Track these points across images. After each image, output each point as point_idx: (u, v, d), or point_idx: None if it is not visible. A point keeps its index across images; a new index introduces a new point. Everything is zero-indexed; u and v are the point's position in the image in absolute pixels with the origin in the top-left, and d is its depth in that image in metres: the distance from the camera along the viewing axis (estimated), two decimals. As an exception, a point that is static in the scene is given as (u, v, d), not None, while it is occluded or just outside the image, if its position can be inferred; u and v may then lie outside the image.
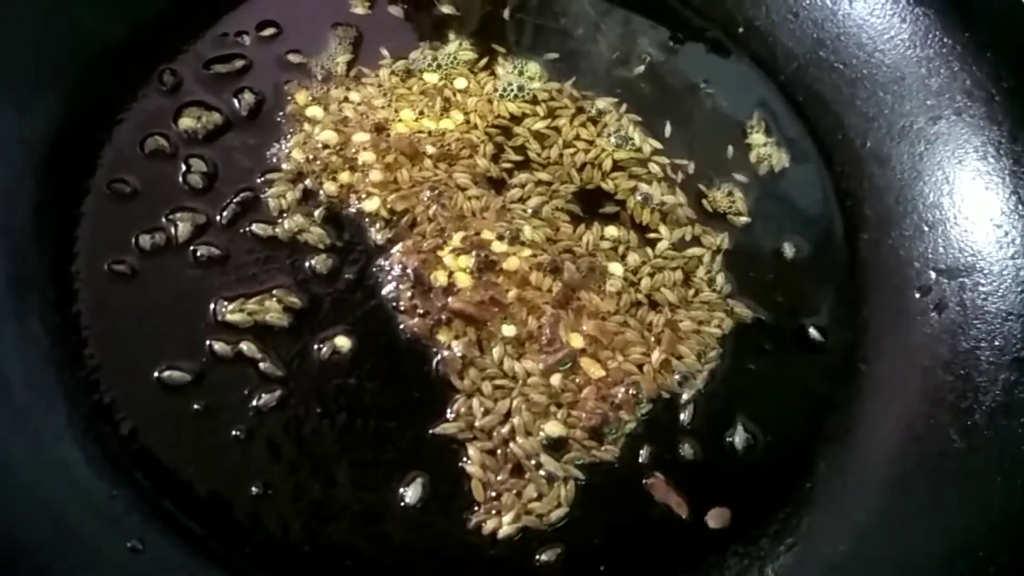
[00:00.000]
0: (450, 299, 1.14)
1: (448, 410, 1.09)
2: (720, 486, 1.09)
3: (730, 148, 1.34)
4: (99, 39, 1.23)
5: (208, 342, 1.09)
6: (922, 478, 1.08)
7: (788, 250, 1.27)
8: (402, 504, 1.03)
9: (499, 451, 1.07)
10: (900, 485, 1.07)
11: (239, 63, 1.30)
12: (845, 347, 1.21)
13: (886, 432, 1.12)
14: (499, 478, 1.06)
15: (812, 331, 1.21)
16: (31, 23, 1.17)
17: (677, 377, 1.15)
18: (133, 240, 1.14)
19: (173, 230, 1.15)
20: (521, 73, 1.36)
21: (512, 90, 1.33)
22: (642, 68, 1.41)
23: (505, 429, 1.08)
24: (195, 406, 1.05)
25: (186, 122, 1.23)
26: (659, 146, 1.32)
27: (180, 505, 1.00)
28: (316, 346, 1.10)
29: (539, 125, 1.30)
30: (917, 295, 1.21)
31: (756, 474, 1.11)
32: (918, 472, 1.08)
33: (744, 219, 1.29)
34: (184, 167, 1.20)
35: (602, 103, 1.35)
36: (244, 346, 1.09)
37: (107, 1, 1.24)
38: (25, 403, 1.00)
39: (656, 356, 1.15)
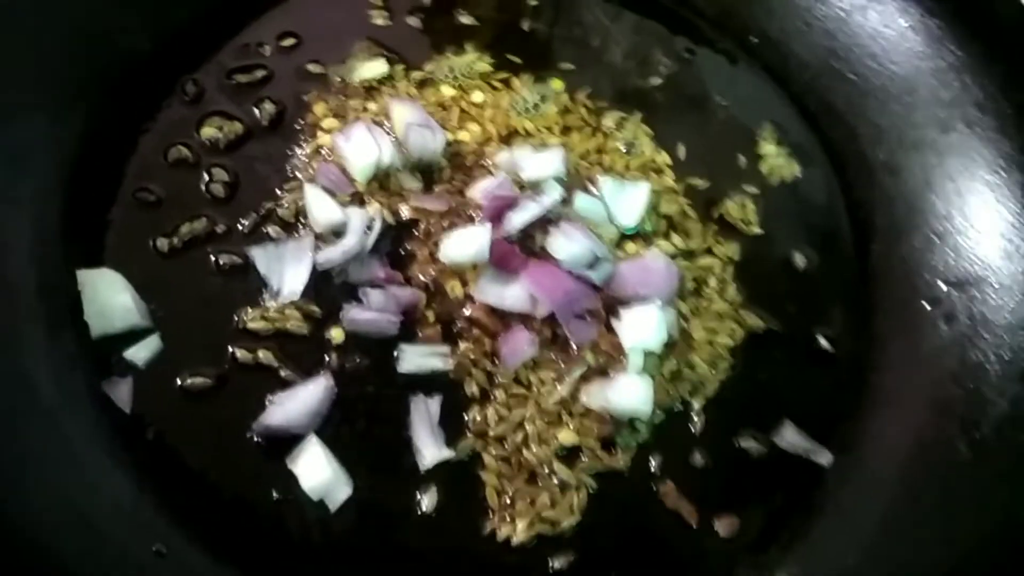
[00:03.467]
0: (466, 309, 1.16)
1: (464, 417, 1.11)
2: (730, 494, 1.12)
3: (742, 158, 1.36)
4: (125, 52, 1.26)
5: (230, 349, 1.11)
6: (929, 488, 1.10)
7: (799, 260, 1.29)
8: (419, 511, 1.05)
9: (513, 459, 1.10)
10: (907, 495, 1.09)
11: (260, 73, 1.32)
12: (855, 357, 1.23)
13: (894, 442, 1.14)
14: (513, 486, 1.08)
15: (822, 341, 1.23)
16: (60, 38, 1.19)
17: (688, 387, 1.16)
18: (157, 247, 1.16)
19: (195, 237, 1.18)
20: (539, 88, 1.37)
21: (528, 105, 1.35)
22: (657, 78, 1.42)
23: (519, 437, 1.11)
24: (217, 412, 1.08)
25: (208, 131, 1.26)
26: (671, 157, 1.33)
27: (204, 509, 1.03)
28: (335, 354, 1.12)
29: (553, 140, 1.32)
30: (927, 306, 1.23)
31: (766, 483, 1.13)
32: (925, 482, 1.10)
33: (756, 230, 1.30)
34: (207, 176, 1.22)
35: (616, 115, 1.36)
36: (263, 354, 1.11)
37: (132, 15, 1.27)
38: (54, 408, 1.04)
39: (668, 366, 1.16)
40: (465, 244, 1.15)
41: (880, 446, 1.15)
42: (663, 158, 1.33)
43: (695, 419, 1.15)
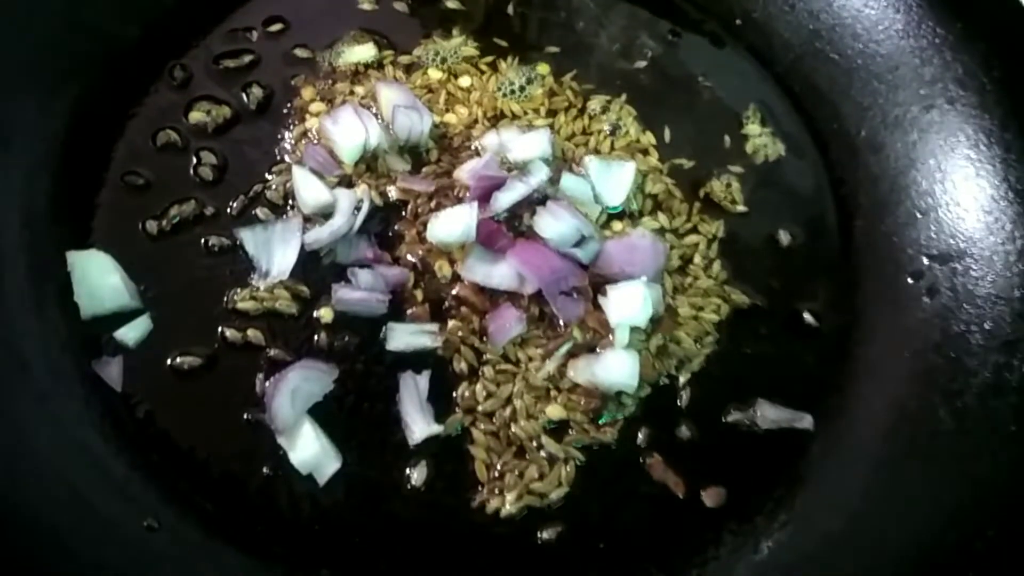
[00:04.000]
0: (454, 288, 1.17)
1: (453, 393, 1.12)
2: (716, 466, 1.13)
3: (727, 139, 1.37)
4: (112, 37, 1.27)
5: (220, 329, 1.12)
6: (913, 457, 1.11)
7: (783, 237, 1.30)
8: (409, 485, 1.07)
9: (502, 433, 1.11)
10: (892, 464, 1.11)
11: (247, 58, 1.33)
12: (839, 331, 1.24)
13: (878, 413, 1.16)
14: (502, 459, 1.09)
15: (807, 316, 1.25)
16: (47, 23, 1.21)
17: (674, 361, 1.18)
18: (146, 229, 1.17)
19: (184, 220, 1.19)
20: (525, 71, 1.38)
21: (514, 87, 1.36)
22: (642, 61, 1.43)
23: (507, 412, 1.12)
24: (207, 390, 1.09)
25: (196, 116, 1.27)
26: (656, 138, 1.35)
27: (194, 485, 1.05)
28: (323, 332, 1.14)
29: (539, 122, 1.33)
30: (910, 280, 1.24)
31: (751, 454, 1.15)
32: (909, 452, 1.11)
33: (740, 208, 1.31)
34: (195, 160, 1.23)
35: (602, 98, 1.37)
36: (252, 333, 1.12)
37: (120, 1, 1.27)
38: (45, 388, 1.05)
39: (654, 342, 1.18)
40: (452, 224, 1.16)
41: (864, 417, 1.16)
42: (648, 139, 1.35)
43: (681, 393, 1.16)
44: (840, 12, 1.41)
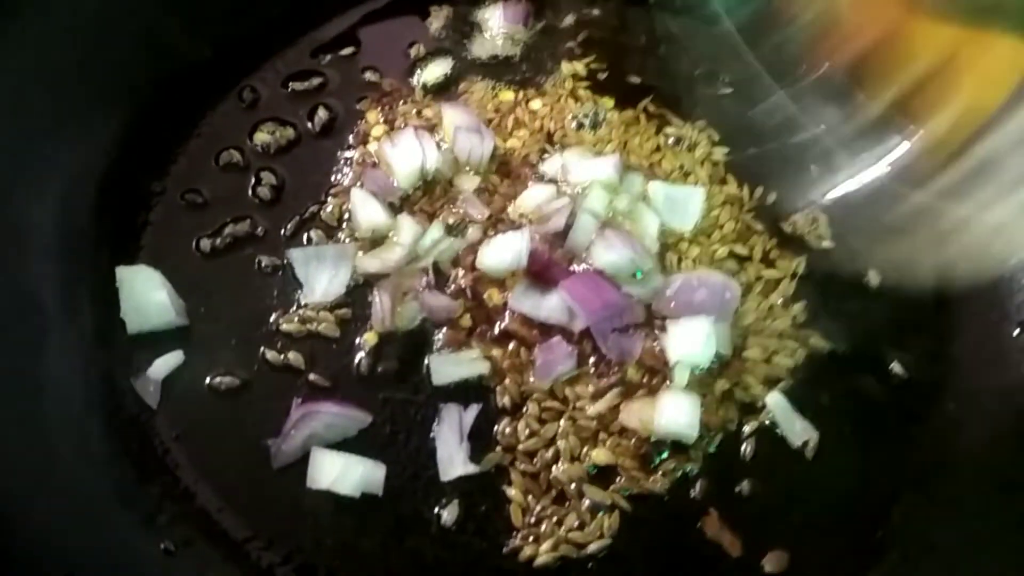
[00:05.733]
0: (505, 319, 1.11)
1: (493, 429, 1.05)
2: (780, 528, 1.02)
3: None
4: (184, 56, 1.28)
5: (261, 350, 1.10)
6: (1011, 534, 0.97)
7: (873, 278, 1.18)
8: (438, 523, 1.00)
9: (542, 476, 1.03)
10: (985, 542, 0.97)
11: (316, 80, 1.33)
12: (931, 385, 1.12)
13: (972, 480, 1.02)
14: (540, 504, 1.02)
15: (895, 366, 1.12)
16: (122, 39, 1.22)
17: (740, 409, 1.08)
18: (199, 247, 1.17)
19: (237, 239, 1.18)
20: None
21: (589, 118, 1.30)
22: (726, 86, 1.35)
23: (549, 453, 1.04)
24: (241, 412, 1.06)
25: (261, 137, 1.27)
26: (736, 165, 1.26)
27: (216, 509, 1.01)
28: (365, 358, 1.09)
29: (609, 148, 1.27)
30: (1016, 332, 1.11)
31: (823, 519, 1.03)
32: (1004, 527, 0.97)
33: (826, 244, 1.21)
34: (254, 180, 1.23)
35: (680, 122, 1.30)
36: (292, 356, 1.09)
37: (193, 22, 1.29)
38: (72, 403, 1.04)
39: (719, 385, 1.08)
40: (502, 252, 1.12)
41: (955, 484, 1.03)
42: (726, 165, 1.26)
43: (745, 444, 1.06)
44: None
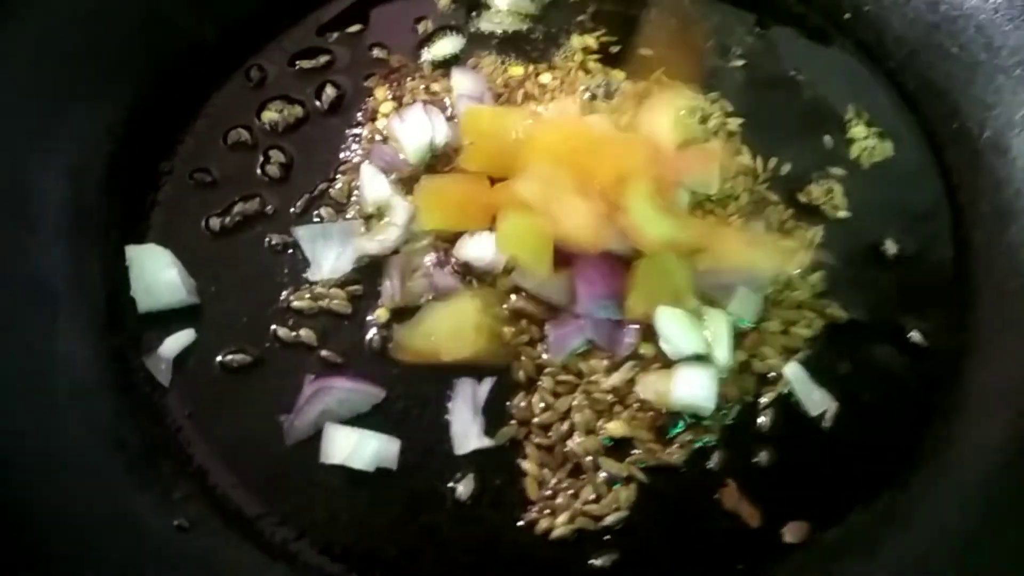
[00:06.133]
0: (512, 297, 1.10)
1: (507, 403, 1.04)
2: (799, 498, 1.01)
3: (828, 139, 1.25)
4: (191, 36, 1.27)
5: (272, 327, 1.09)
6: (1026, 498, 0.95)
7: (891, 247, 1.17)
8: (453, 497, 0.99)
9: (557, 449, 1.02)
10: (1003, 508, 0.95)
11: (324, 59, 1.31)
12: (951, 353, 1.10)
13: (991, 447, 1.01)
14: (556, 477, 1.01)
15: (914, 335, 1.11)
16: (127, 19, 1.21)
17: (757, 380, 1.07)
18: (209, 226, 1.16)
19: (247, 217, 1.17)
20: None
21: (602, 89, 1.28)
22: (739, 58, 1.33)
23: (564, 426, 1.03)
24: (253, 389, 1.05)
25: (269, 115, 1.26)
26: (751, 137, 1.24)
27: (230, 486, 1.01)
28: (377, 334, 1.08)
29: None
30: (1036, 298, 1.09)
31: (841, 486, 1.02)
32: (1021, 491, 0.95)
33: (842, 213, 1.19)
34: (263, 158, 1.22)
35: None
36: (304, 332, 1.08)
37: (200, 1, 1.27)
38: (83, 382, 1.03)
39: (736, 356, 1.07)
40: (481, 248, 1.10)
41: (975, 451, 1.01)
42: (741, 136, 1.24)
43: (762, 414, 1.05)
44: (962, 2, 1.26)
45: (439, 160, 1.20)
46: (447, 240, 1.13)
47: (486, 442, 1.01)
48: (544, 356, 1.07)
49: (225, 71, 1.29)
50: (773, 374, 1.07)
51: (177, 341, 1.08)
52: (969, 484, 0.99)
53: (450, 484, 1.00)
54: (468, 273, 1.12)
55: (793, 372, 1.06)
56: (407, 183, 1.18)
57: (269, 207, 1.18)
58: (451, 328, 1.06)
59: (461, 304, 1.08)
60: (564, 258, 1.08)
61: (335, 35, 1.34)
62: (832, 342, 1.10)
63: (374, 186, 1.17)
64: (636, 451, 1.02)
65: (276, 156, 1.22)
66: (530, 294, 1.09)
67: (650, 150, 1.11)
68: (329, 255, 1.12)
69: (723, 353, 1.03)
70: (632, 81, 1.29)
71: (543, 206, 1.06)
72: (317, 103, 1.27)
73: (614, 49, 1.33)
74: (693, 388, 1.03)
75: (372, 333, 1.09)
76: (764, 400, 1.06)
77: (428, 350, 1.05)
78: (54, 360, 1.02)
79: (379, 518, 0.99)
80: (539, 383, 1.06)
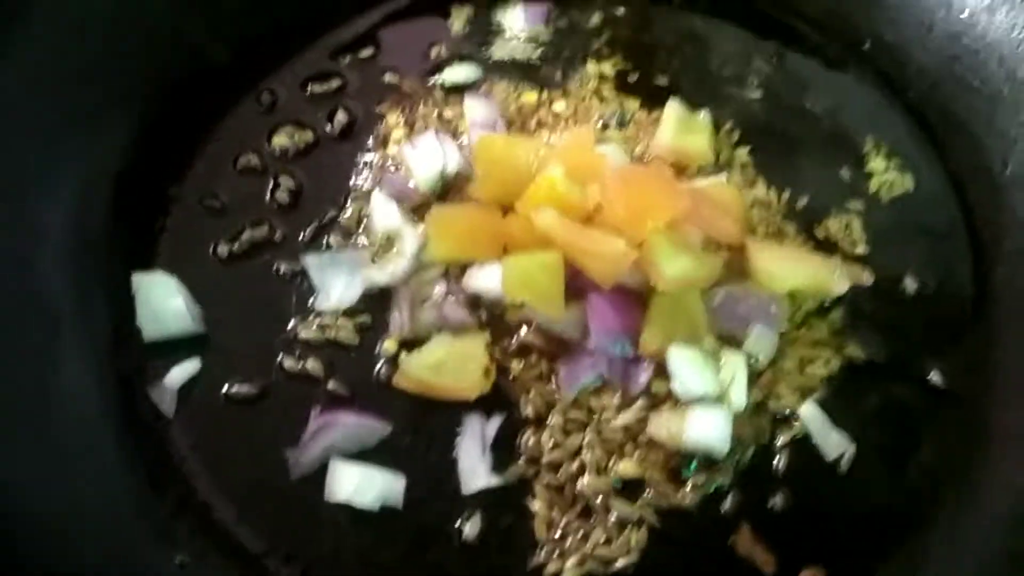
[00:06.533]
0: (523, 331, 1.08)
1: (517, 441, 1.02)
2: (814, 544, 0.98)
3: (846, 172, 1.23)
4: (202, 58, 1.27)
5: (279, 357, 1.07)
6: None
7: (910, 284, 1.14)
8: (461, 536, 0.97)
9: (567, 489, 1.00)
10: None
11: (335, 83, 1.30)
12: (972, 396, 1.07)
13: (1016, 491, 0.98)
14: (565, 518, 0.99)
15: (934, 376, 1.08)
16: (137, 40, 1.21)
17: (773, 421, 1.05)
18: (217, 253, 1.15)
19: (255, 244, 1.16)
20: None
21: (616, 117, 1.26)
22: (756, 88, 1.31)
23: (574, 466, 1.01)
24: (257, 422, 1.04)
25: (280, 140, 1.24)
26: (768, 169, 1.22)
27: (233, 521, 0.99)
28: (385, 366, 1.07)
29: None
30: (1060, 338, 1.06)
31: (858, 534, 0.99)
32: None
33: (860, 249, 1.17)
34: (272, 183, 1.20)
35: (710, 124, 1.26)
36: (311, 364, 1.07)
37: (211, 23, 1.27)
38: (86, 410, 1.02)
39: (752, 396, 1.04)
40: (488, 278, 1.08)
41: (998, 501, 0.99)
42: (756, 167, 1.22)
43: (778, 457, 1.02)
44: (984, 34, 1.25)
45: (451, 189, 1.18)
46: (458, 270, 1.11)
47: (494, 480, 0.99)
48: (555, 392, 1.05)
49: (236, 94, 1.27)
50: (789, 414, 1.04)
51: (182, 371, 1.06)
52: (992, 530, 0.96)
53: (457, 523, 0.98)
54: (478, 304, 1.10)
55: (810, 413, 1.04)
56: (418, 211, 1.16)
57: (278, 234, 1.16)
58: (457, 366, 1.03)
59: (470, 343, 1.05)
60: (576, 291, 1.05)
61: (347, 59, 1.33)
62: (850, 382, 1.07)
63: (384, 214, 1.15)
64: (648, 493, 1.00)
65: (286, 182, 1.21)
66: (541, 328, 1.07)
67: (668, 184, 1.09)
68: (337, 284, 1.11)
69: (739, 395, 1.01)
70: (646, 110, 1.27)
71: (559, 237, 1.04)
72: (328, 128, 1.26)
73: (631, 78, 1.32)
74: (707, 429, 1.00)
75: (380, 365, 1.07)
76: (779, 442, 1.03)
77: (430, 384, 1.03)
78: (57, 387, 1.00)
79: (384, 556, 0.97)
80: (549, 420, 1.03)
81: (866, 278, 1.13)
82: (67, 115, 1.13)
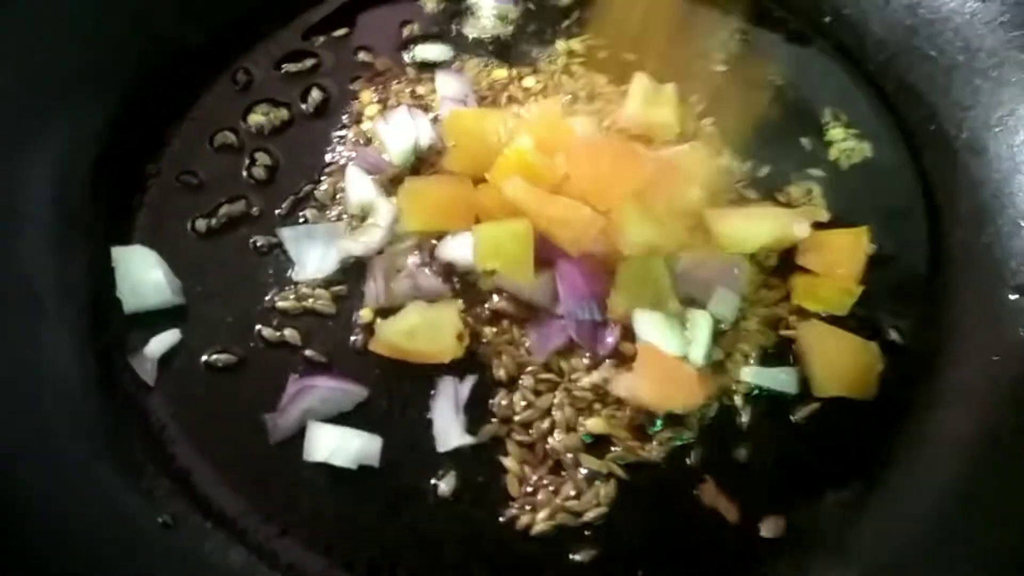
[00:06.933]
0: (495, 297, 1.11)
1: (489, 402, 1.06)
2: (775, 493, 1.02)
3: (806, 141, 1.26)
4: (177, 39, 1.29)
5: (257, 327, 1.10)
6: (1003, 496, 0.97)
7: (869, 246, 1.18)
8: (435, 494, 1.01)
9: (538, 446, 1.04)
10: (976, 502, 0.97)
11: (309, 62, 1.33)
12: (927, 351, 1.11)
13: (967, 443, 1.02)
14: (536, 474, 1.02)
15: (892, 333, 1.12)
16: (113, 22, 1.23)
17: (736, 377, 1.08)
18: (195, 228, 1.17)
19: (232, 219, 1.18)
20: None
21: (582, 94, 1.30)
22: (720, 62, 1.34)
23: (545, 424, 1.04)
24: (237, 388, 1.07)
25: (255, 118, 1.27)
26: (731, 142, 1.25)
27: (214, 484, 1.02)
28: (361, 334, 1.10)
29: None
30: (1012, 296, 1.10)
31: (818, 482, 1.03)
32: (998, 488, 0.97)
33: (821, 214, 1.20)
34: (248, 160, 1.23)
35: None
36: (288, 332, 1.10)
37: (186, 4, 1.29)
38: (69, 381, 1.04)
39: (713, 355, 1.08)
40: (461, 247, 1.11)
41: (951, 445, 1.03)
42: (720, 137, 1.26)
43: (741, 411, 1.06)
44: (940, 6, 1.29)
45: (423, 162, 1.21)
46: (431, 241, 1.14)
47: (468, 439, 1.02)
48: (526, 355, 1.08)
49: (211, 74, 1.30)
50: (749, 371, 1.08)
51: (162, 341, 1.09)
52: (942, 480, 1.00)
53: (432, 481, 1.01)
54: (451, 273, 1.13)
55: (757, 371, 1.08)
56: (391, 184, 1.19)
57: (255, 209, 1.19)
58: (430, 332, 1.06)
59: (444, 310, 1.08)
60: (546, 259, 1.09)
61: (321, 39, 1.35)
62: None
63: (359, 188, 1.18)
64: (616, 448, 1.03)
65: (262, 158, 1.23)
66: (512, 295, 1.10)
67: (633, 154, 1.12)
68: (313, 256, 1.14)
69: (699, 353, 1.04)
70: (615, 85, 1.31)
71: (528, 206, 1.07)
72: (303, 106, 1.28)
73: (600, 54, 1.34)
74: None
75: (356, 333, 1.10)
76: (741, 397, 1.07)
77: (404, 349, 1.06)
78: (39, 360, 1.03)
79: (362, 515, 1.00)
80: (520, 382, 1.07)
81: (823, 215, 1.17)
82: (45, 96, 1.16)
